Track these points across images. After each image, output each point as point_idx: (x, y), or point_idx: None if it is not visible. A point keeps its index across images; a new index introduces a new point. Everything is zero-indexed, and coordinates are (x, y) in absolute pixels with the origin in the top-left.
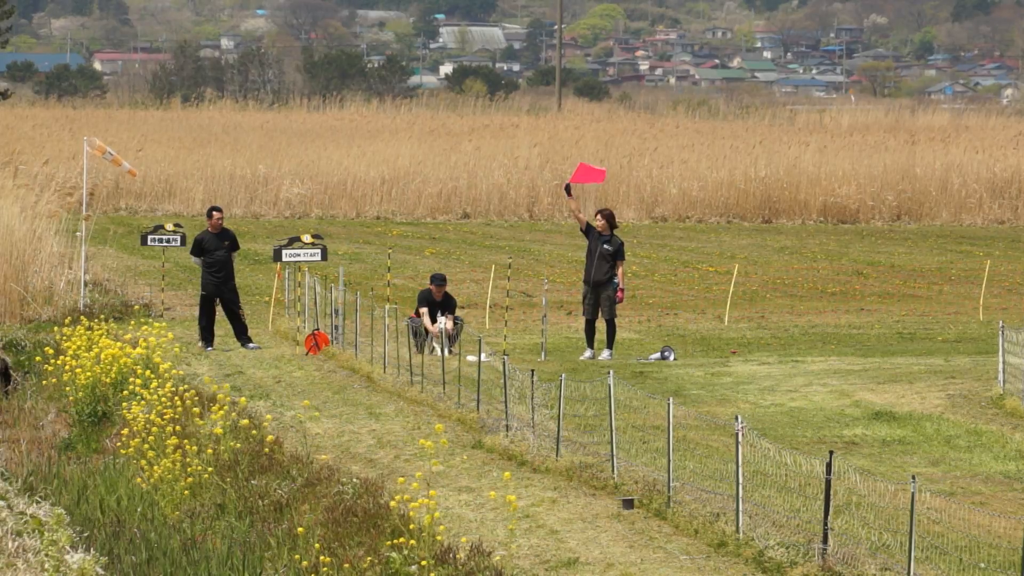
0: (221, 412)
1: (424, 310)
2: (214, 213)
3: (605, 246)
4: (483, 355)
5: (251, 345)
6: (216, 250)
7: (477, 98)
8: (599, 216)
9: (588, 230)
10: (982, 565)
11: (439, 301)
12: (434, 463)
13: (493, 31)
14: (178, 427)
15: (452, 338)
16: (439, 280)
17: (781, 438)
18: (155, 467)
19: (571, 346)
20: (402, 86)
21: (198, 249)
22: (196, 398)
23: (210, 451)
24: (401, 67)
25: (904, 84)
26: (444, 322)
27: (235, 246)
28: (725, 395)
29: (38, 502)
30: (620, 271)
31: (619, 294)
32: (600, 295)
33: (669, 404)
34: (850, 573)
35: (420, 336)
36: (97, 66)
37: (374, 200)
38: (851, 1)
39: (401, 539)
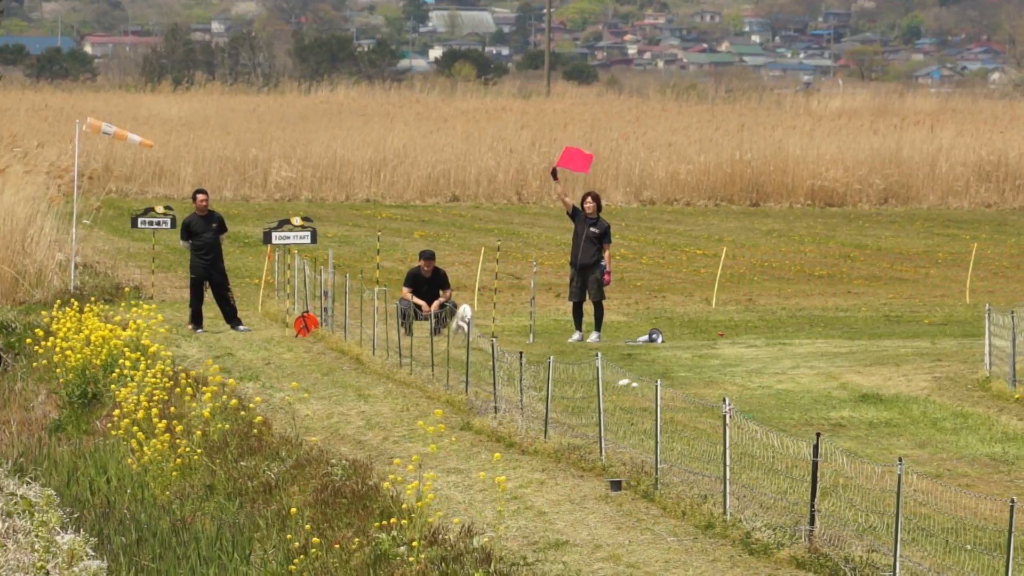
0: (210, 394)
1: (407, 289)
2: (198, 195)
3: (592, 228)
4: (627, 381)
5: (241, 327)
6: (203, 232)
7: (466, 82)
8: (588, 198)
9: (574, 213)
10: (968, 547)
11: (429, 277)
12: (432, 447)
13: (482, 15)
14: (168, 408)
15: (442, 320)
16: (428, 255)
17: (768, 420)
18: (145, 448)
19: (559, 328)
20: (392, 70)
21: (186, 232)
22: (187, 379)
23: (199, 433)
24: (391, 51)
25: (892, 68)
26: (467, 311)
27: (223, 228)
28: (713, 377)
29: (28, 483)
30: (607, 253)
31: (606, 276)
32: (587, 278)
33: (657, 386)
34: (837, 555)
35: (408, 318)
36: (88, 49)
37: (363, 183)
38: None
39: (392, 520)
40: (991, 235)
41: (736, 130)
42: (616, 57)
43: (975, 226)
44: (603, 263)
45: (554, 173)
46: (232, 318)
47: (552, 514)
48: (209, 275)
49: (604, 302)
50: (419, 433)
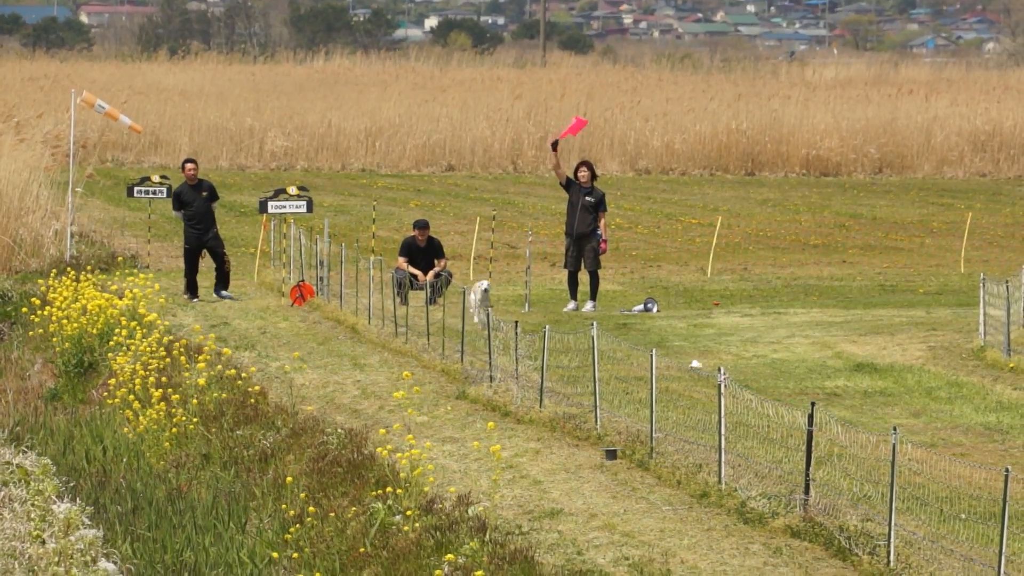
0: (205, 362)
1: (402, 259)
2: (187, 165)
3: (587, 198)
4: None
5: (224, 294)
6: (194, 202)
7: (462, 51)
8: (583, 167)
9: (568, 184)
10: (963, 516)
11: (423, 247)
12: (410, 411)
13: None
14: (163, 378)
15: (437, 290)
16: (422, 225)
17: (763, 389)
18: (140, 417)
19: (555, 298)
20: (387, 39)
21: (177, 203)
22: (183, 348)
23: (195, 402)
24: (386, 20)
25: (887, 38)
26: (485, 284)
27: (214, 196)
28: (708, 346)
29: (24, 452)
30: (603, 222)
31: (602, 245)
32: (583, 247)
33: (652, 356)
34: (831, 524)
35: (404, 288)
36: (84, 19)
37: (359, 152)
38: None
39: (388, 488)
40: (986, 204)
41: (731, 100)
42: (612, 27)
43: (970, 195)
44: (599, 232)
45: (555, 145)
46: (222, 283)
47: (547, 483)
48: (203, 243)
49: (600, 271)
50: (414, 402)
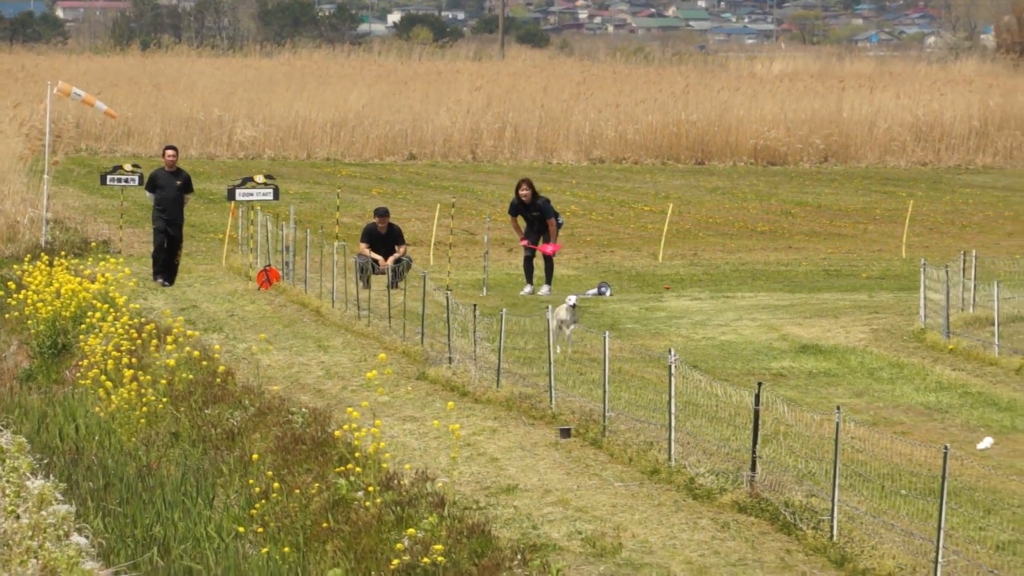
0: (176, 344)
1: (364, 245)
2: (168, 151)
3: (533, 213)
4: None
5: (162, 281)
6: (167, 187)
7: (423, 45)
8: (523, 185)
9: (516, 209)
10: (903, 492)
11: (384, 233)
12: (379, 391)
13: None
14: (134, 359)
15: (398, 275)
16: (382, 212)
17: (712, 370)
18: (112, 397)
19: (511, 282)
20: (352, 33)
21: (152, 185)
22: (154, 330)
23: (165, 382)
24: (351, 15)
25: (832, 32)
26: (572, 299)
27: (188, 187)
28: (659, 329)
29: (0, 431)
30: (552, 228)
31: (552, 247)
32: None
33: (605, 338)
34: (777, 499)
35: (366, 272)
36: (60, 13)
37: (324, 142)
38: None
39: (349, 466)
40: (927, 193)
41: (682, 92)
42: (567, 22)
43: (911, 184)
44: (559, 218)
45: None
46: (167, 272)
47: (504, 460)
48: (167, 232)
49: (555, 257)
50: (376, 383)
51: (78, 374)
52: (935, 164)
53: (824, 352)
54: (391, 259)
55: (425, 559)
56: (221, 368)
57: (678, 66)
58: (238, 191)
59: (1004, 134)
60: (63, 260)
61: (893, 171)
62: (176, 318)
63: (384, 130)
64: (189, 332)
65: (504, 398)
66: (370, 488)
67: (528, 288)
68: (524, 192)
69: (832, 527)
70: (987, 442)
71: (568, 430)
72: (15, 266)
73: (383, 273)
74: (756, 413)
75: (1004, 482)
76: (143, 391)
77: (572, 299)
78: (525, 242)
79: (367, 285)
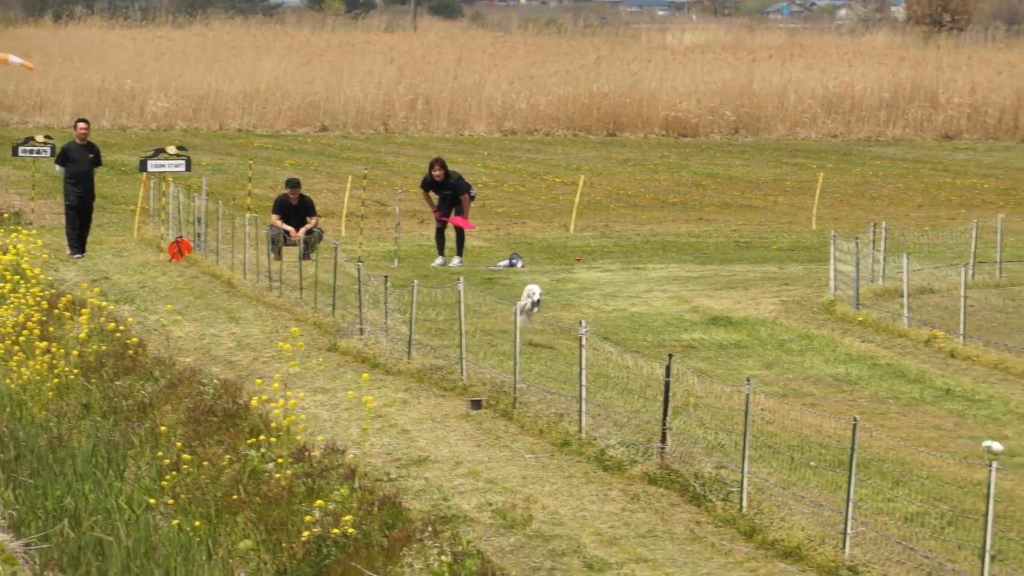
0: (87, 316)
1: (275, 216)
2: (79, 124)
3: (445, 192)
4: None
5: (76, 255)
6: (79, 160)
7: (336, 16)
8: (436, 166)
9: (428, 186)
10: (812, 463)
11: (295, 204)
12: (292, 364)
13: None
14: (49, 329)
15: (310, 246)
16: (293, 183)
17: (623, 342)
18: (23, 369)
19: (423, 253)
20: (264, 4)
21: (63, 158)
22: (67, 303)
23: (76, 353)
24: None
25: (744, 4)
26: (534, 290)
27: (98, 160)
28: (570, 301)
29: None
30: (465, 202)
31: (463, 222)
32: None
33: (516, 310)
34: (687, 471)
35: (278, 243)
36: None
37: (236, 114)
38: None
39: (261, 437)
40: (837, 164)
41: (593, 64)
42: None
43: (821, 156)
44: (472, 191)
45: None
46: (80, 244)
47: (415, 432)
48: (79, 206)
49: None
50: (287, 354)
51: None
52: (845, 136)
53: (734, 324)
54: (302, 230)
55: (335, 530)
56: (133, 339)
57: (590, 38)
58: (150, 162)
59: (914, 106)
60: None
61: (804, 143)
62: (90, 289)
63: (296, 101)
64: (103, 304)
65: (415, 370)
66: (280, 460)
67: (439, 259)
68: (436, 173)
69: (742, 498)
70: (997, 447)
71: (479, 402)
72: None
73: (295, 244)
74: (666, 385)
75: (913, 454)
76: (54, 363)
77: (536, 292)
78: (437, 214)
79: (279, 256)
